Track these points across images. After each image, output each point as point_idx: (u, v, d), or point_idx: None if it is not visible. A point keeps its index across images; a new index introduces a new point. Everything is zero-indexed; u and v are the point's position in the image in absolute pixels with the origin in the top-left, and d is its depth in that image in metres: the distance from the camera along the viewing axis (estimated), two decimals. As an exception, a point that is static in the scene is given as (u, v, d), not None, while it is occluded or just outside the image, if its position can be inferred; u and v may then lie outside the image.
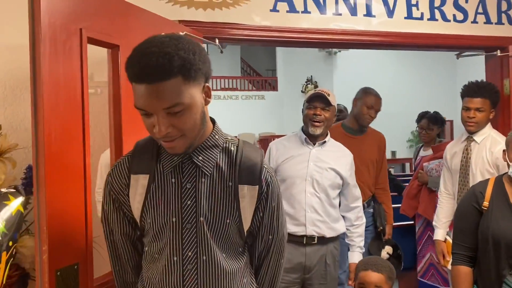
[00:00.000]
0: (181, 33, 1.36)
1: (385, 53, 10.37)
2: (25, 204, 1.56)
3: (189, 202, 1.10)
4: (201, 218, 1.10)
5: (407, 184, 3.71)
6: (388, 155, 10.26)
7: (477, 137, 2.45)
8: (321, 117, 2.19)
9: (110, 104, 1.64)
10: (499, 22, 2.84)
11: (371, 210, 2.91)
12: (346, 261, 2.71)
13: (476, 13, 2.81)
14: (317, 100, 2.20)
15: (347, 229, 2.33)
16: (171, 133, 1.01)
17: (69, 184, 1.40)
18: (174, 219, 1.10)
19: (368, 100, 2.84)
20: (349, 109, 3.19)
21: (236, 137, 1.25)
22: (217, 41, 2.36)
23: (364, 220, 2.40)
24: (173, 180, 1.12)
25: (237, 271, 1.17)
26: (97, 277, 1.53)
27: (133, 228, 1.18)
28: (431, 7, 2.73)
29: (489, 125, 2.49)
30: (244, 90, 12.84)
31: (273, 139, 3.69)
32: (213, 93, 1.18)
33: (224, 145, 1.16)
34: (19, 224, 1.50)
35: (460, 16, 2.78)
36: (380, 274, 1.78)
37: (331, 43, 2.57)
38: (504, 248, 1.63)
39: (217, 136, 1.15)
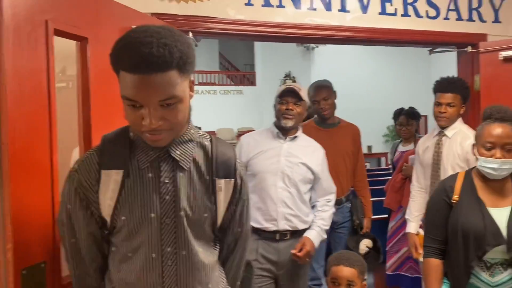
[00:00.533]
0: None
1: (362, 49, 10.47)
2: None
3: (167, 197, 1.09)
4: (181, 213, 1.09)
5: (383, 178, 3.77)
6: (364, 150, 10.37)
7: (448, 132, 2.50)
8: (293, 111, 2.19)
9: (79, 99, 1.60)
10: (470, 19, 2.90)
11: (349, 204, 2.92)
12: (323, 256, 2.74)
13: (448, 9, 2.86)
14: (288, 95, 2.20)
15: (315, 215, 2.30)
16: (161, 126, 0.99)
17: (35, 181, 1.35)
18: (152, 215, 1.08)
19: (310, 95, 2.82)
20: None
21: (205, 132, 1.24)
22: (190, 34, 2.33)
23: (333, 210, 2.38)
24: (150, 175, 1.09)
25: (213, 265, 1.19)
26: (65, 276, 1.49)
27: (100, 227, 1.14)
28: (405, 3, 2.77)
29: (460, 120, 2.55)
30: (223, 85, 12.79)
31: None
32: (192, 87, 1.16)
33: (199, 139, 1.16)
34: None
35: (432, 13, 2.82)
36: (353, 269, 1.77)
37: (306, 38, 2.58)
38: (472, 240, 1.66)
39: (192, 131, 1.15)
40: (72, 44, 1.59)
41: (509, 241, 1.62)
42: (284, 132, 2.24)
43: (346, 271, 1.76)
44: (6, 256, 1.22)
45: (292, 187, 2.18)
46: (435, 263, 1.78)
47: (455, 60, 3.16)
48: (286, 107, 2.20)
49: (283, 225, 2.16)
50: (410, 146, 3.51)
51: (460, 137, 2.45)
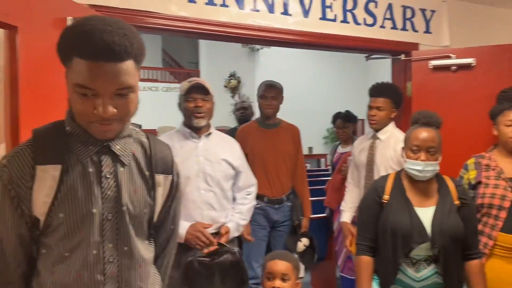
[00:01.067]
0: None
1: (305, 54, 10.71)
2: None
3: (109, 192, 1.07)
4: (123, 208, 1.08)
5: (323, 178, 3.88)
6: (305, 151, 10.62)
7: (381, 135, 2.63)
8: (204, 108, 2.08)
9: (6, 91, 1.50)
10: (404, 28, 3.05)
11: (290, 203, 2.96)
12: (262, 254, 2.76)
13: (384, 18, 2.98)
14: (196, 92, 2.08)
15: (233, 207, 2.22)
16: (114, 115, 0.99)
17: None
18: (94, 210, 1.05)
19: (260, 90, 2.90)
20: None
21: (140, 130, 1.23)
22: (131, 29, 2.26)
23: (253, 203, 2.30)
24: (91, 170, 1.06)
25: (151, 262, 1.19)
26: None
27: (29, 228, 1.06)
28: (344, 10, 2.85)
29: (392, 124, 2.69)
30: (165, 82, 12.52)
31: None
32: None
33: (136, 135, 1.16)
34: None
35: (370, 20, 2.94)
36: (287, 263, 1.80)
37: (248, 38, 2.58)
38: (400, 238, 1.75)
39: (130, 126, 1.14)
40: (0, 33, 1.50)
41: (433, 239, 1.73)
42: (196, 130, 2.13)
43: (280, 265, 1.79)
44: None
45: (215, 187, 2.10)
46: (367, 260, 1.85)
47: (390, 67, 3.32)
48: (195, 105, 2.07)
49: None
50: (349, 148, 3.65)
51: (393, 140, 2.58)
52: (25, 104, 1.51)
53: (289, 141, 2.97)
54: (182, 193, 1.29)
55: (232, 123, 7.46)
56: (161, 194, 1.18)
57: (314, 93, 11.31)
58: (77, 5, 1.92)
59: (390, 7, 2.98)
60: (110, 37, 0.93)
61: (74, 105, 1.00)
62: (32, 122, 1.46)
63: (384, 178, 1.96)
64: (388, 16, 2.99)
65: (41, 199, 1.03)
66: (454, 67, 2.84)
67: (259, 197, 2.33)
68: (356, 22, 2.89)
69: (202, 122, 2.08)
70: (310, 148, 11.02)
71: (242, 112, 4.19)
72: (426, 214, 1.79)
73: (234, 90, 10.78)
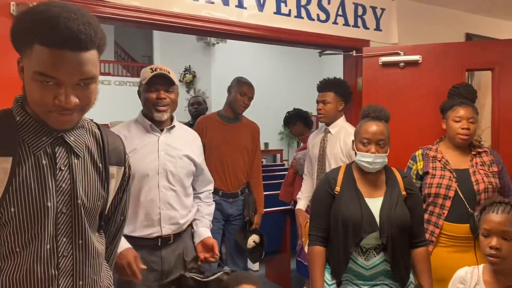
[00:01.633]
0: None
1: (262, 49, 10.76)
2: None
3: (64, 185, 1.04)
4: (78, 201, 1.06)
5: (279, 173, 3.95)
6: (262, 147, 10.70)
7: (332, 129, 2.72)
8: (167, 100, 1.91)
9: None
10: (355, 25, 3.12)
11: (243, 198, 2.98)
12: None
13: (337, 15, 3.04)
14: (159, 82, 1.89)
15: (197, 207, 2.12)
16: (76, 106, 0.97)
17: None
18: (49, 204, 1.01)
19: (242, 88, 2.93)
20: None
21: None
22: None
23: (214, 205, 2.22)
24: (44, 162, 1.02)
25: (103, 254, 1.18)
26: None
27: None
28: (298, 5, 2.87)
29: (342, 118, 2.77)
30: (118, 76, 12.18)
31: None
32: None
33: (88, 126, 1.14)
34: None
35: (323, 16, 2.98)
36: (253, 286, 1.73)
37: (202, 30, 2.54)
38: (351, 228, 1.80)
39: (82, 117, 1.11)
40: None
41: (381, 228, 1.79)
42: (158, 123, 1.95)
43: None
44: None
45: (177, 185, 1.95)
46: (319, 250, 1.89)
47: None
48: (157, 96, 1.89)
49: (167, 230, 1.92)
50: None
51: (343, 134, 2.66)
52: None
53: (248, 137, 3.00)
54: (130, 185, 1.28)
55: (187, 118, 7.38)
56: (113, 186, 1.17)
57: (270, 89, 11.39)
58: (20, -10, 1.82)
59: (342, 3, 3.04)
60: (76, 26, 0.91)
61: (31, 94, 0.97)
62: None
63: (336, 170, 2.01)
64: (340, 12, 3.05)
65: None
66: (402, 64, 2.95)
67: (214, 191, 2.30)
68: (309, 17, 2.92)
69: (164, 116, 1.91)
70: (266, 144, 11.12)
71: (196, 107, 4.18)
72: (375, 204, 1.85)
73: (189, 84, 10.65)
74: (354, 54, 3.09)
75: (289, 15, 2.84)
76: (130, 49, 14.03)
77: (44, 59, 0.92)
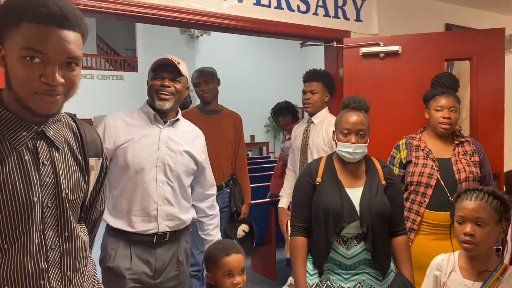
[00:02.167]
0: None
1: (246, 42, 10.72)
2: None
3: (48, 179, 1.04)
4: (62, 194, 1.07)
5: (265, 165, 3.97)
6: (247, 139, 10.72)
7: (315, 119, 2.73)
8: (171, 89, 1.84)
9: None
10: (336, 16, 3.12)
11: (229, 190, 2.97)
12: (202, 241, 2.74)
13: (317, 6, 3.03)
14: (165, 70, 1.85)
15: (200, 221, 2.10)
16: (62, 86, 0.98)
17: None
18: (35, 199, 1.01)
19: (193, 80, 2.91)
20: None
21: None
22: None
23: (218, 208, 2.18)
24: (26, 157, 1.01)
25: (88, 243, 1.20)
26: None
27: None
28: (278, -4, 2.87)
29: (325, 109, 2.78)
30: (101, 70, 12.03)
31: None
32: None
33: (64, 119, 1.14)
34: None
35: (303, 7, 2.97)
36: (241, 255, 1.75)
37: (182, 22, 2.51)
38: (332, 218, 1.81)
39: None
40: None
41: (361, 218, 1.80)
42: (162, 115, 1.89)
43: (238, 260, 1.74)
44: None
45: (174, 181, 1.88)
46: (301, 241, 1.90)
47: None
48: (161, 83, 1.84)
49: (164, 227, 1.86)
50: None
51: (326, 124, 2.68)
52: None
53: (231, 128, 2.98)
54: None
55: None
56: (93, 177, 1.18)
57: (255, 82, 11.39)
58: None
59: (323, -6, 3.04)
60: (65, 6, 0.95)
61: (16, 75, 0.96)
62: None
63: (317, 161, 2.01)
64: (320, 3, 3.04)
65: None
66: (382, 54, 2.96)
67: None
68: (290, 8, 2.91)
69: (166, 105, 1.84)
70: (252, 137, 11.14)
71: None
72: (355, 194, 1.86)
73: (173, 78, 10.56)
74: (335, 45, 3.09)
75: (269, 6, 2.83)
76: (113, 43, 13.86)
77: (33, 34, 0.93)
